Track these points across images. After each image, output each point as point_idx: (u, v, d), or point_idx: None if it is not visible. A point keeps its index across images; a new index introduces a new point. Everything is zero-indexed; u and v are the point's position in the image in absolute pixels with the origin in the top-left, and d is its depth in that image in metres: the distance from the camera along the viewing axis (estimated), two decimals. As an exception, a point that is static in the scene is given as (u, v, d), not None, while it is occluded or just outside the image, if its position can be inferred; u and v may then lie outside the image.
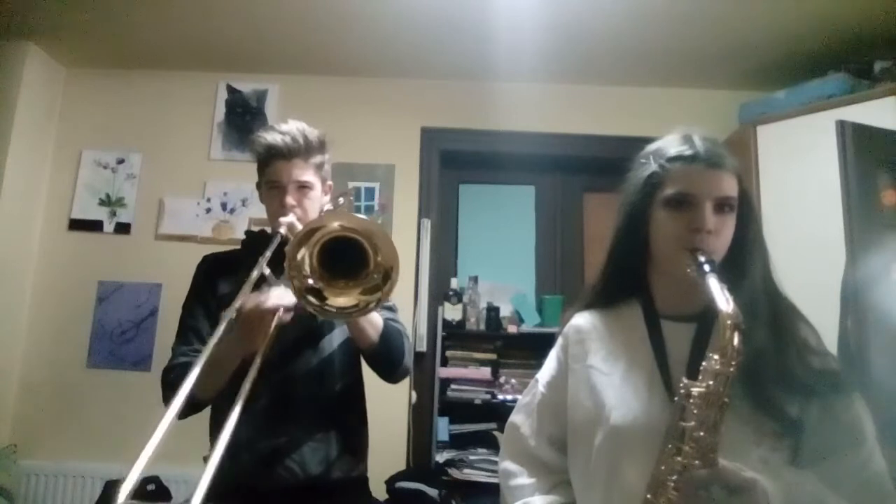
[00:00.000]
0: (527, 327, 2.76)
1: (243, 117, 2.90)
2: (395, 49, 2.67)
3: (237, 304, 1.09)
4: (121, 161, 2.87)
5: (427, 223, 2.81)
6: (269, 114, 2.89)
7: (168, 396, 1.18)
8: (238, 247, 1.46)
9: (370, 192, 2.82)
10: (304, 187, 1.34)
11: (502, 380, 2.69)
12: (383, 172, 2.83)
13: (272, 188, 1.35)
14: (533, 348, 2.78)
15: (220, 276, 1.37)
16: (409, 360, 1.37)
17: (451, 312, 2.75)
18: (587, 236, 3.07)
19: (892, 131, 2.03)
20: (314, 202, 1.36)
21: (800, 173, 2.24)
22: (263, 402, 1.27)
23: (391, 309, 1.42)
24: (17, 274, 2.70)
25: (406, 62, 2.78)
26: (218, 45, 2.71)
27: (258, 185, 1.41)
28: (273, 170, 1.34)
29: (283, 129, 1.35)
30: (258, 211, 2.94)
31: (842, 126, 2.00)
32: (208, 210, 2.81)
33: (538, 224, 3.10)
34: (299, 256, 1.07)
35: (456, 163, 3.00)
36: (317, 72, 2.89)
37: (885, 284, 1.88)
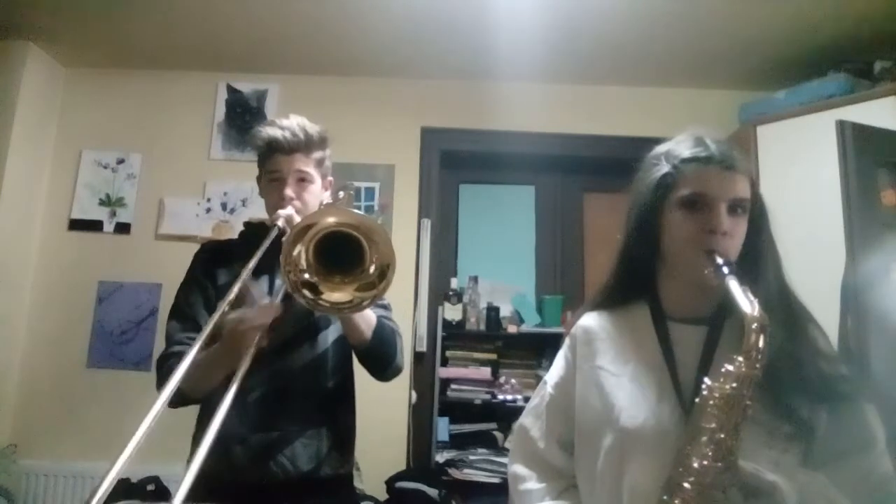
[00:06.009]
0: (527, 327, 2.76)
1: (243, 117, 2.90)
2: (395, 49, 2.67)
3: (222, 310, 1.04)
4: (121, 161, 2.86)
5: (427, 223, 2.80)
6: (269, 114, 2.89)
7: (161, 385, 1.15)
8: (236, 237, 1.45)
9: (370, 192, 2.81)
10: (303, 180, 1.34)
11: (502, 380, 2.69)
12: (383, 172, 2.83)
13: (272, 180, 1.34)
14: (533, 348, 2.79)
15: (219, 265, 1.36)
16: (401, 359, 1.36)
17: (451, 312, 2.75)
18: (587, 236, 3.07)
19: (892, 131, 2.03)
20: (314, 196, 1.36)
21: (800, 173, 2.23)
22: (257, 395, 1.27)
23: (385, 307, 1.40)
24: (17, 274, 2.70)
25: (406, 62, 2.78)
26: (218, 45, 2.71)
27: (258, 179, 1.41)
28: (273, 162, 1.34)
29: (284, 123, 1.34)
30: (258, 211, 2.94)
31: (842, 126, 2.00)
32: (208, 210, 2.81)
33: (538, 224, 3.10)
34: (295, 252, 1.07)
35: (456, 163, 3.00)
36: (317, 72, 2.89)
37: (885, 284, 1.88)
